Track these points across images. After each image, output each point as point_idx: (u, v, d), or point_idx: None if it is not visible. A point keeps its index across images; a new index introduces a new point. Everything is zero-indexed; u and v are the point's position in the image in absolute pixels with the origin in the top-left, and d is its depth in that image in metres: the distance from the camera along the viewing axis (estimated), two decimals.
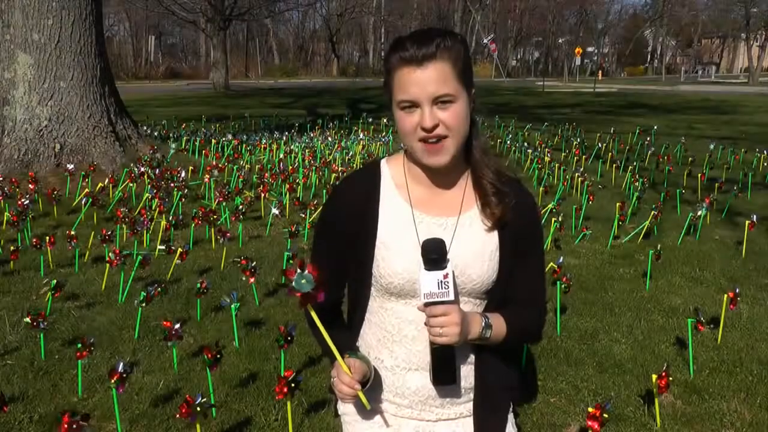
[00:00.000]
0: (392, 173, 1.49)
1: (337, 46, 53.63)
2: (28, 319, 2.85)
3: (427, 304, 1.31)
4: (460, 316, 1.32)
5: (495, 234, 1.45)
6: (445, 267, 1.31)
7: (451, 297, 1.31)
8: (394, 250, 1.41)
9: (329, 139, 10.22)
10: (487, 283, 1.44)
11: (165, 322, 2.73)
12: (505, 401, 1.54)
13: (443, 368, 1.38)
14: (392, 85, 1.35)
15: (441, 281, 1.30)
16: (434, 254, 1.31)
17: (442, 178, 1.45)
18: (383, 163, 1.52)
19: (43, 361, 2.96)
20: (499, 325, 1.43)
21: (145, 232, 4.73)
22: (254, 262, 3.65)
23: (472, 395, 1.49)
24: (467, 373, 1.47)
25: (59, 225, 5.29)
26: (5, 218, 4.89)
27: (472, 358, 1.48)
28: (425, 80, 1.30)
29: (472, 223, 1.45)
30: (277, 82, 39.31)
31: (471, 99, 1.38)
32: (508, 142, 9.62)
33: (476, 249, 1.43)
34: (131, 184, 6.19)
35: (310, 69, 54.55)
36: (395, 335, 1.45)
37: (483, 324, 1.39)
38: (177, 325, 2.72)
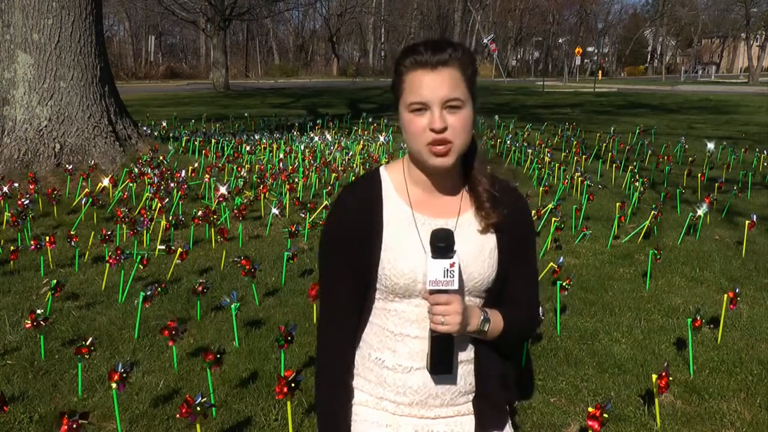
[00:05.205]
0: (392, 178, 1.51)
1: (337, 46, 53.61)
2: (29, 319, 2.85)
3: (431, 292, 1.34)
4: (462, 306, 1.36)
5: (492, 235, 1.49)
6: (452, 256, 1.33)
7: (455, 286, 1.34)
8: (399, 252, 1.43)
9: (329, 138, 10.21)
10: (487, 281, 1.48)
11: (170, 323, 2.74)
12: (503, 400, 1.56)
13: (441, 357, 1.40)
14: (402, 87, 1.38)
15: (447, 270, 1.32)
16: (442, 242, 1.33)
17: (441, 182, 1.47)
18: (382, 170, 1.54)
19: (43, 361, 2.96)
20: (497, 321, 1.48)
21: (145, 232, 4.74)
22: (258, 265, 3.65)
23: (471, 396, 1.50)
24: (467, 373, 1.49)
25: (59, 225, 5.29)
26: (5, 218, 4.90)
27: (471, 358, 1.49)
28: (437, 83, 1.33)
29: (470, 224, 1.49)
30: (277, 82, 39.28)
31: (476, 109, 1.41)
32: (508, 142, 9.60)
33: (477, 248, 1.47)
34: (131, 184, 6.19)
35: (310, 69, 54.44)
36: (398, 335, 1.47)
37: (482, 318, 1.44)
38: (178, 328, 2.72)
